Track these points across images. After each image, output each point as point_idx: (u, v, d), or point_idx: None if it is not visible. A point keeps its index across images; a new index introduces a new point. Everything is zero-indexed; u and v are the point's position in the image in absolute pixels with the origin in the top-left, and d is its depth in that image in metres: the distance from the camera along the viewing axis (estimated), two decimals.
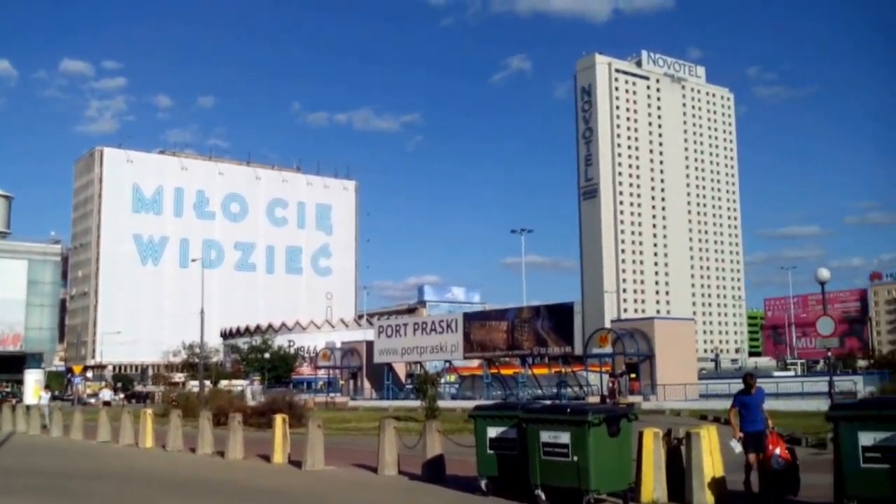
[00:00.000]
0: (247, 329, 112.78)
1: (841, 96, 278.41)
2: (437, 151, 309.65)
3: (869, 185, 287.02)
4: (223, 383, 68.88)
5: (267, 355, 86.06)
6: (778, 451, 10.90)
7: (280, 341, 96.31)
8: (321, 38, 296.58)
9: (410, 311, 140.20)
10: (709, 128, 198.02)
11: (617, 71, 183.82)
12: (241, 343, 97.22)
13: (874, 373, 61.60)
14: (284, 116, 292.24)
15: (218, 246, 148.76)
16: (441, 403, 35.87)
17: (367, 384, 64.92)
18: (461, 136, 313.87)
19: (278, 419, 17.64)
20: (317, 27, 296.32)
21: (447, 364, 66.34)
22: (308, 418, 18.77)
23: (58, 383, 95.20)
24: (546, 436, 10.69)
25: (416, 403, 37.16)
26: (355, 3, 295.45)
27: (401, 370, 64.66)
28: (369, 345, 65.16)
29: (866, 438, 8.94)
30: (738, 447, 11.20)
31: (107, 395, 67.96)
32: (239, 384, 67.52)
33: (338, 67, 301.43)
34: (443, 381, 64.40)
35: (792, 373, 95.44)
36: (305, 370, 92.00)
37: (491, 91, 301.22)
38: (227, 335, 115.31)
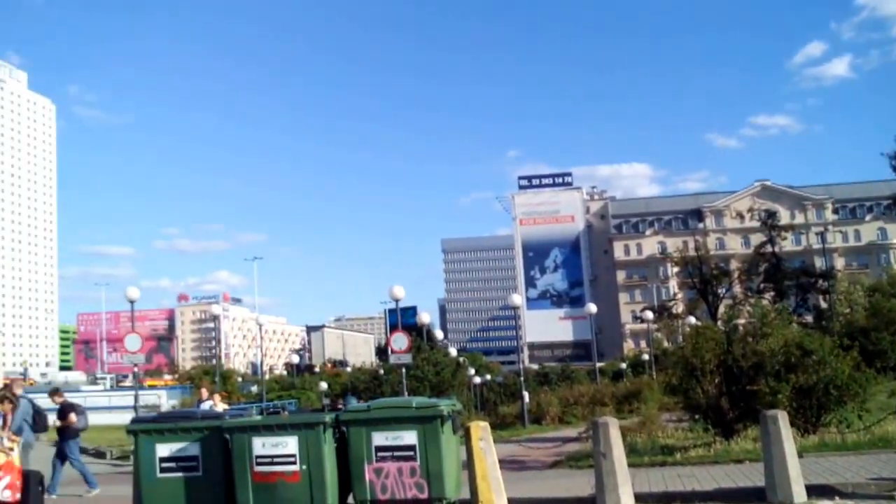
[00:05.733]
0: None
1: (154, 129, 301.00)
2: None
3: (176, 215, 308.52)
4: None
5: None
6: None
7: None
8: None
9: None
10: (28, 135, 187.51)
11: None
12: None
13: (177, 387, 65.48)
14: None
15: None
16: None
17: None
18: None
19: None
20: None
21: None
22: None
23: None
24: None
25: None
26: None
27: None
28: None
29: (163, 450, 9.37)
30: None
31: None
32: None
33: None
34: None
35: (101, 387, 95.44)
36: None
37: None
38: None
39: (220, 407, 16.37)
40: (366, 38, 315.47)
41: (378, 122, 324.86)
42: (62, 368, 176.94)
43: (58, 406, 14.40)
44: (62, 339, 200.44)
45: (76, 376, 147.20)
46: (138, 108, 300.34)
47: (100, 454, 23.88)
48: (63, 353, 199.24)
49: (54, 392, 15.45)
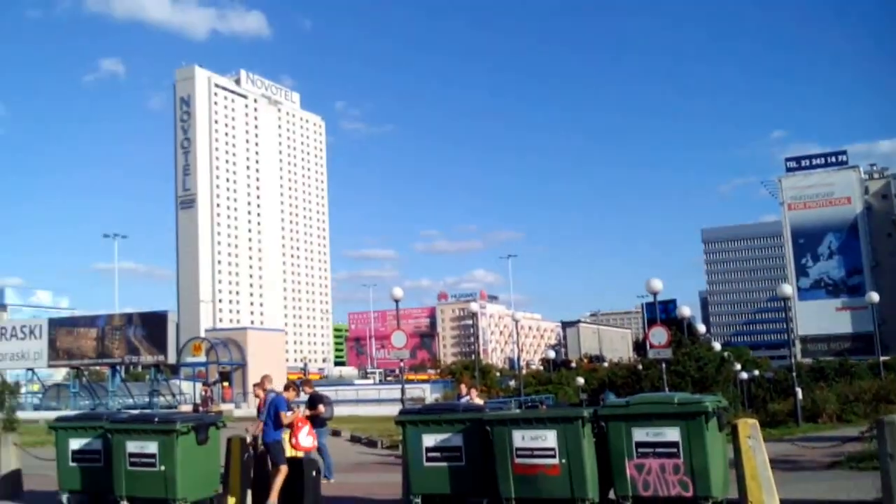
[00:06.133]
0: None
1: (413, 136, 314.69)
2: (20, 146, 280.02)
3: (435, 217, 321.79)
4: None
5: None
6: None
7: None
8: None
9: None
10: (302, 151, 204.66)
11: (216, 86, 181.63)
12: None
13: (439, 381, 68.19)
14: None
15: None
16: (22, 415, 33.99)
17: None
18: (49, 133, 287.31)
19: None
20: None
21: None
22: None
23: None
24: (133, 446, 10.50)
25: None
26: None
27: None
28: None
29: (429, 440, 9.80)
30: None
31: None
32: None
33: None
34: (24, 390, 58.58)
35: (371, 381, 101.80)
36: None
37: (82, 91, 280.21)
38: None
39: (477, 401, 16.80)
40: (615, 26, 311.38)
41: (630, 110, 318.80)
42: (337, 364, 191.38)
43: (308, 396, 15.44)
44: (336, 336, 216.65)
45: (349, 371, 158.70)
46: (397, 117, 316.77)
47: (371, 443, 25.35)
48: (337, 350, 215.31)
49: (305, 383, 16.58)
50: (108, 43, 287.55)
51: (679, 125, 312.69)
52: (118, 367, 53.86)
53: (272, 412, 10.94)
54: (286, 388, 11.69)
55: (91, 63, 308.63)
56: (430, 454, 9.81)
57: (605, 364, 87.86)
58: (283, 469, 10.70)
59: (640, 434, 8.71)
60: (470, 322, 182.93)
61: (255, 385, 11.90)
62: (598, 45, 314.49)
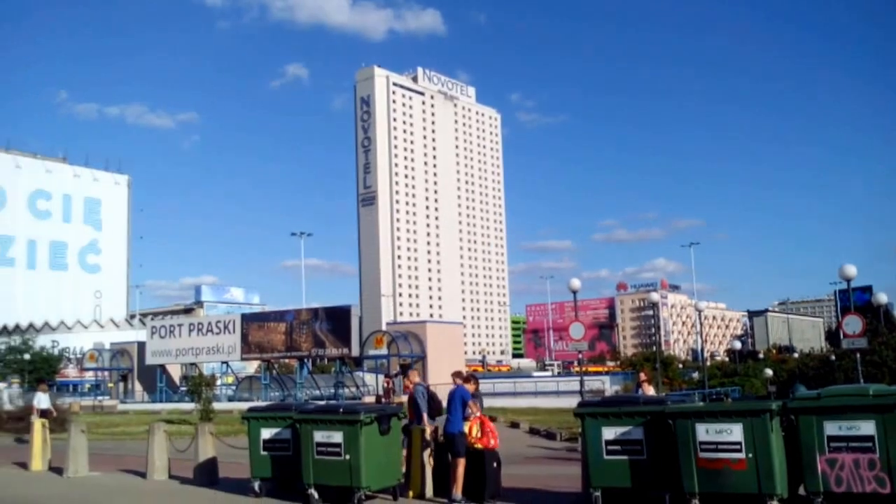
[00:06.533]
0: (4, 328, 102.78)
1: (588, 124, 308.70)
2: (215, 152, 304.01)
3: (612, 206, 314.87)
4: None
5: (27, 356, 78.96)
6: None
7: (42, 341, 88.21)
8: (85, 25, 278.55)
9: (187, 311, 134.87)
10: (478, 144, 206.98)
11: (394, 84, 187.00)
12: None
13: (619, 373, 67.01)
14: (49, 105, 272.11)
15: None
16: (218, 406, 36.02)
17: (138, 387, 62.64)
18: (239, 138, 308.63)
19: (37, 424, 16.79)
20: (78, 14, 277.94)
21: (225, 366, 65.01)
22: (71, 423, 17.86)
23: None
24: (319, 435, 10.86)
25: (191, 406, 37.04)
26: None
27: (175, 372, 62.63)
28: (141, 346, 63.06)
29: (609, 433, 9.66)
30: None
31: None
32: None
33: (110, 60, 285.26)
34: (219, 382, 62.94)
35: (549, 373, 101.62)
36: (71, 372, 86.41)
37: (269, 96, 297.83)
38: None
39: (651, 393, 16.45)
40: (808, 20, 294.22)
41: (820, 85, 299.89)
42: (515, 356, 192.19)
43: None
44: (513, 329, 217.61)
45: (527, 363, 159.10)
46: (572, 107, 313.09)
47: (550, 435, 25.32)
48: (515, 342, 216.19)
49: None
50: (292, 48, 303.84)
51: (873, 93, 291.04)
52: (306, 360, 56.51)
53: (459, 403, 11.12)
54: (466, 380, 11.86)
55: (277, 68, 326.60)
56: (610, 447, 9.69)
57: (795, 355, 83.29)
58: (463, 461, 10.88)
59: (832, 428, 8.32)
60: (650, 313, 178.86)
61: (403, 377, 12.21)
62: (780, 36, 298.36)
